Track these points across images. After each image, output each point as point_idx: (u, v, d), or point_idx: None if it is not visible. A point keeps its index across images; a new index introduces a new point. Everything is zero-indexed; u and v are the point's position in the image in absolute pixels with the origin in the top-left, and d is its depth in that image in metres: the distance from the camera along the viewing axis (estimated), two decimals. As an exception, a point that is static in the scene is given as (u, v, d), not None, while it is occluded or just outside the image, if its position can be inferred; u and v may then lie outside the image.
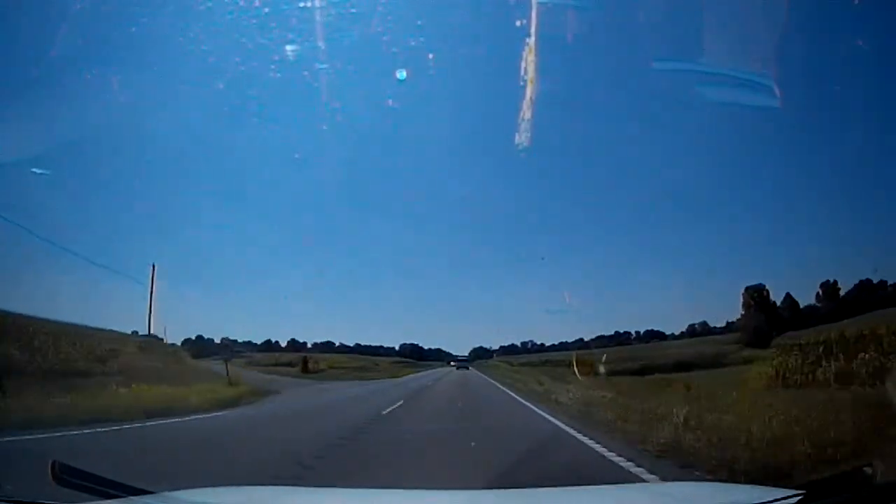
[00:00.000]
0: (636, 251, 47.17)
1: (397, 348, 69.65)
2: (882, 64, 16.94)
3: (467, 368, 53.39)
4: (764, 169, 30.66)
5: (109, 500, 1.58)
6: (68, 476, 1.57)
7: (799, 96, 21.41)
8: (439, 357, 78.00)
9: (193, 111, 25.01)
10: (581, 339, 43.14)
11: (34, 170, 16.82)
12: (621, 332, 39.03)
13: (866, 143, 20.75)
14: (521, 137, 13.75)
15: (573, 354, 30.51)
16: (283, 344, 40.49)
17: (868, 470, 1.45)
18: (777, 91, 10.54)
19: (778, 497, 1.51)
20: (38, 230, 21.33)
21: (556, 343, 45.42)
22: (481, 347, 74.48)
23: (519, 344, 65.93)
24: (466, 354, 71.38)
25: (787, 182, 32.10)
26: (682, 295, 45.13)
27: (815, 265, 32.70)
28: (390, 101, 20.34)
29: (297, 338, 43.11)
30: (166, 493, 1.88)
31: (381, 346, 62.84)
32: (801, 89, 20.42)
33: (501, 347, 69.55)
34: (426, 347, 74.42)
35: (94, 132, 21.10)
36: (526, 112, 13.71)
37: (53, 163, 21.04)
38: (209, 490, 2.21)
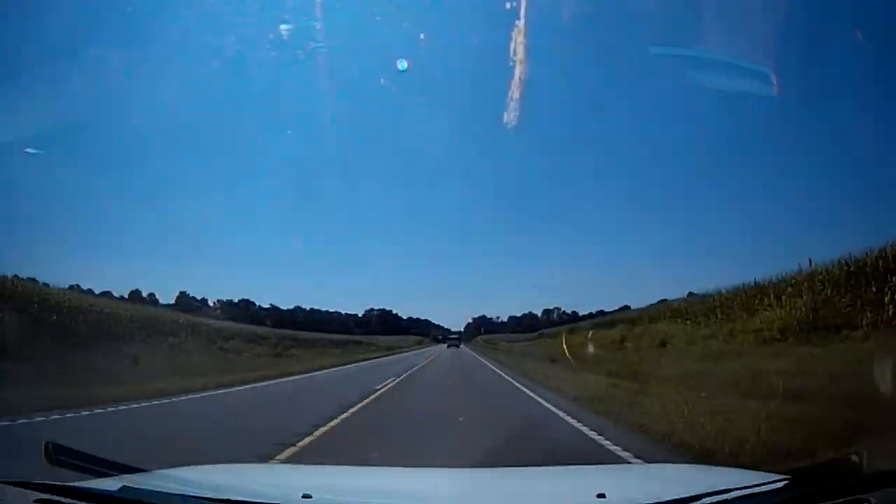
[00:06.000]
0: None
1: (361, 315, 61.46)
2: (880, 53, 17.98)
3: (458, 346, 50.12)
4: (759, 155, 33.44)
5: (102, 479, 1.67)
6: (61, 456, 1.66)
7: (796, 85, 21.61)
8: (425, 331, 68.99)
9: (188, 88, 26.54)
10: (627, 306, 36.59)
11: (28, 150, 17.90)
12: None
13: (864, 132, 21.55)
14: (510, 116, 14.28)
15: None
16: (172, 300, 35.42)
17: (856, 458, 1.53)
18: (774, 79, 11.27)
19: (764, 481, 1.61)
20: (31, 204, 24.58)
21: (592, 311, 42.11)
22: (483, 317, 65.57)
23: (539, 313, 58.37)
24: (461, 329, 63.16)
25: (783, 168, 35.15)
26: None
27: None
28: (382, 80, 22.36)
29: (190, 292, 38.55)
30: (159, 472, 2.00)
31: (338, 312, 55.85)
32: (798, 78, 21.74)
33: (512, 318, 62.36)
34: (405, 317, 64.98)
35: (89, 111, 24.12)
36: (515, 92, 15.13)
37: (47, 142, 22.49)
38: (202, 468, 2.38)
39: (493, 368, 21.11)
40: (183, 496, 1.54)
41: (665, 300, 31.69)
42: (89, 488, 1.56)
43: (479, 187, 57.83)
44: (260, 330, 30.50)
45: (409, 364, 22.51)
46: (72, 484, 1.59)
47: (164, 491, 1.58)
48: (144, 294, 35.44)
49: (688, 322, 19.98)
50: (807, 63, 20.74)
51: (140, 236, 49.30)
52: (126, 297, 31.78)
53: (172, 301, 36.66)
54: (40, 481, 1.58)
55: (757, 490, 1.52)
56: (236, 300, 42.31)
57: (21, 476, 1.61)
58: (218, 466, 2.58)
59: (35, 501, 1.50)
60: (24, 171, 23.68)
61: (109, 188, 40.03)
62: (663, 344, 19.16)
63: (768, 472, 1.90)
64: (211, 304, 40.64)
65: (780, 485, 1.53)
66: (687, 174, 44.64)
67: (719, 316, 18.00)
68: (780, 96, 13.80)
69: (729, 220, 43.87)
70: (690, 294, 29.31)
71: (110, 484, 1.58)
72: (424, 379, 15.58)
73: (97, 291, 28.07)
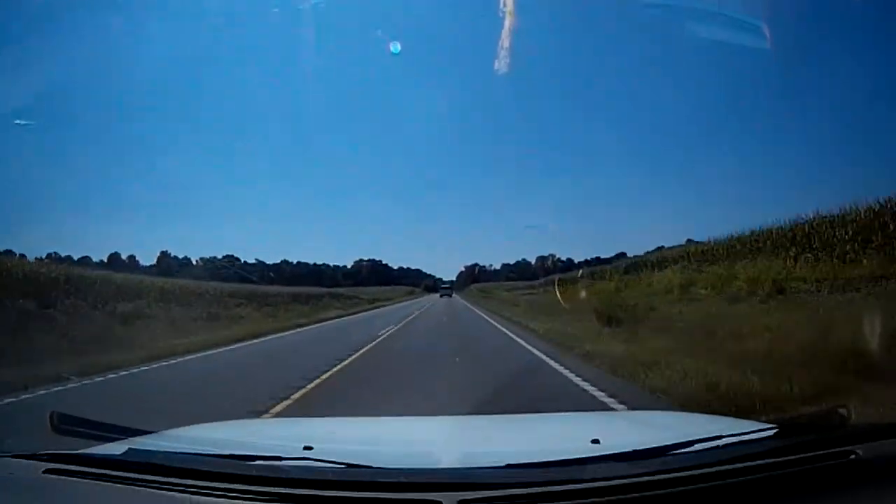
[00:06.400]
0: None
1: (350, 266, 54.86)
2: (877, 8, 17.78)
3: (450, 296, 50.10)
4: (749, 108, 34.21)
5: (109, 444, 1.80)
6: (66, 424, 1.79)
7: (788, 39, 22.07)
8: (417, 281, 62.68)
9: (173, 45, 25.21)
10: (623, 253, 34.09)
11: (17, 121, 16.85)
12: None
13: (857, 84, 22.14)
14: (501, 64, 14.77)
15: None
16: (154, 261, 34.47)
17: (843, 411, 1.69)
18: (766, 32, 11.00)
19: (753, 430, 1.76)
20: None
21: (588, 258, 39.71)
22: (476, 265, 60.79)
23: (533, 260, 54.26)
24: (453, 278, 59.53)
25: (776, 119, 35.37)
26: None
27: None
28: (380, 32, 21.29)
29: (172, 252, 36.01)
30: (164, 432, 2.17)
31: (326, 264, 50.71)
32: (791, 32, 22.03)
33: (505, 266, 57.55)
34: (395, 267, 60.40)
35: (70, 72, 21.61)
36: (505, 41, 13.94)
37: (32, 109, 21.36)
38: (208, 425, 2.59)
39: (530, 349, 12.17)
40: (187, 454, 1.70)
41: (662, 247, 29.74)
42: (96, 454, 1.73)
43: (471, 136, 59.16)
44: (194, 285, 24.30)
45: (378, 329, 15.07)
46: (79, 451, 1.74)
47: (169, 450, 1.74)
48: (124, 257, 34.35)
49: (810, 256, 12.28)
50: (800, 16, 21.46)
51: (123, 198, 49.70)
52: (105, 261, 31.76)
53: (154, 262, 35.90)
54: (47, 451, 1.70)
55: (746, 437, 1.65)
56: (220, 256, 40.95)
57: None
58: (223, 423, 2.85)
59: (44, 472, 1.62)
60: (8, 140, 21.96)
61: (93, 150, 40.15)
62: (779, 291, 11.69)
63: (757, 421, 2.10)
64: (194, 262, 38.54)
65: (769, 433, 1.68)
66: (680, 123, 46.59)
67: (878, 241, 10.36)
68: (773, 49, 13.76)
69: (724, 170, 44.96)
70: (689, 241, 26.98)
71: (117, 448, 1.74)
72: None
73: (76, 257, 28.56)
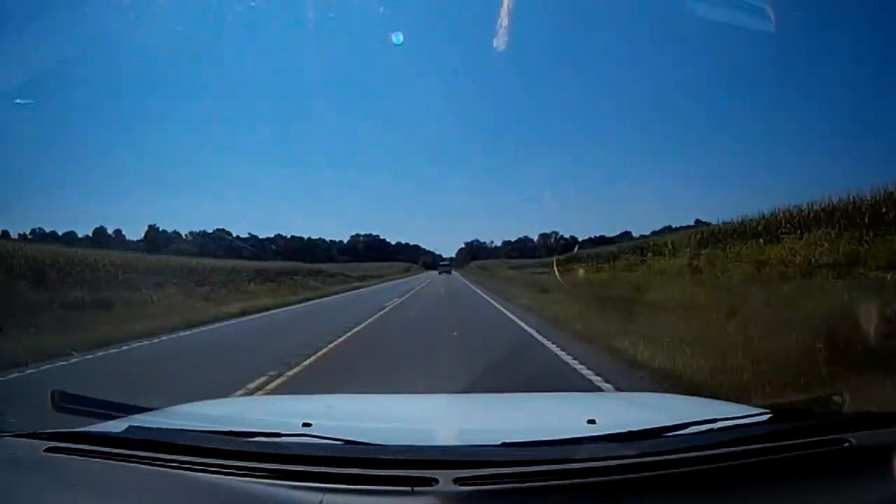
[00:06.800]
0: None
1: (346, 241, 54.99)
2: None
3: (449, 273, 50.26)
4: (755, 87, 32.55)
5: (110, 422, 1.88)
6: (67, 403, 1.87)
7: (792, 22, 22.15)
8: (414, 257, 61.73)
9: (164, 18, 23.28)
10: (627, 232, 34.59)
11: (17, 100, 16.71)
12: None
13: (862, 70, 19.45)
14: (500, 42, 15.73)
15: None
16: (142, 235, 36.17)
17: (838, 398, 1.74)
18: (771, 15, 10.72)
19: (748, 413, 1.87)
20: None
21: (592, 237, 39.67)
22: (476, 242, 61.02)
23: (535, 237, 53.90)
24: (453, 255, 59.12)
25: (780, 102, 33.49)
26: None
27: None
28: (381, 9, 23.42)
29: (161, 226, 37.35)
30: (165, 409, 2.27)
31: (321, 239, 50.97)
32: (796, 14, 21.44)
33: (506, 242, 57.54)
34: (393, 242, 59.46)
35: (73, 51, 20.81)
36: (504, 18, 16.18)
37: (31, 89, 21.53)
38: (208, 402, 2.73)
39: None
40: (187, 431, 1.76)
41: (670, 226, 27.96)
42: (96, 432, 1.79)
43: (470, 111, 60.43)
44: (94, 255, 20.12)
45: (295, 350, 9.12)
46: (79, 429, 1.80)
47: (169, 427, 1.82)
48: (110, 231, 34.61)
49: None
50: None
51: (111, 172, 49.17)
52: (91, 235, 32.01)
53: (142, 236, 36.09)
54: (47, 430, 1.75)
55: (741, 422, 1.71)
56: (211, 230, 41.22)
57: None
58: (223, 400, 2.96)
59: (44, 451, 1.68)
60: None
61: (82, 125, 40.10)
62: None
63: (751, 406, 2.16)
64: (184, 236, 38.88)
65: (763, 418, 1.74)
66: (682, 104, 48.03)
67: None
68: (778, 31, 14.30)
69: (730, 152, 45.02)
70: (698, 221, 25.45)
71: (117, 426, 1.81)
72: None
73: (61, 233, 28.79)
